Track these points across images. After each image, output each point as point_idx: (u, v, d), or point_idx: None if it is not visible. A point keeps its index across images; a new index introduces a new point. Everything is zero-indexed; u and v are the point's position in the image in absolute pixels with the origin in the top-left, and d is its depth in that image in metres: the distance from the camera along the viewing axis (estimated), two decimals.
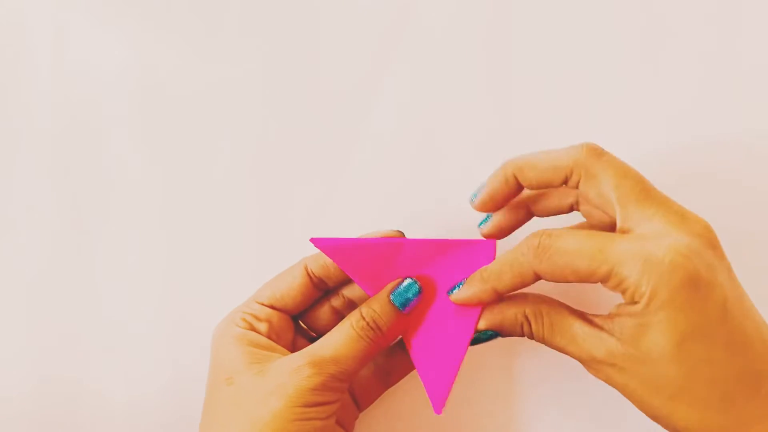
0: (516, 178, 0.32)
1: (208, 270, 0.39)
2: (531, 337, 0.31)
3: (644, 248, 0.27)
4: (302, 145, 0.40)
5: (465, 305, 0.32)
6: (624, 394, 0.29)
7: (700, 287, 0.27)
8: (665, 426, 0.28)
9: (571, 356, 0.30)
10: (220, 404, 0.30)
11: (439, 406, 0.32)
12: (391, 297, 0.32)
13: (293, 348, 0.34)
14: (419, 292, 0.32)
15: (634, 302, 0.27)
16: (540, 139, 0.39)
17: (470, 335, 0.32)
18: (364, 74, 0.41)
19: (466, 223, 0.36)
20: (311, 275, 0.34)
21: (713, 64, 0.39)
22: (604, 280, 0.27)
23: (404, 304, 0.32)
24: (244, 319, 0.33)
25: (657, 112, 0.39)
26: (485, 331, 0.31)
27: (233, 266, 0.39)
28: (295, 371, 0.30)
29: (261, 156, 0.40)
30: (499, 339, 0.32)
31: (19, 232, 0.40)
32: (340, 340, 0.31)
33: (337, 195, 0.40)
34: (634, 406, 0.29)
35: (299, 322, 0.35)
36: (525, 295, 0.31)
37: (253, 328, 0.33)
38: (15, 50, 0.41)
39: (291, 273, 0.34)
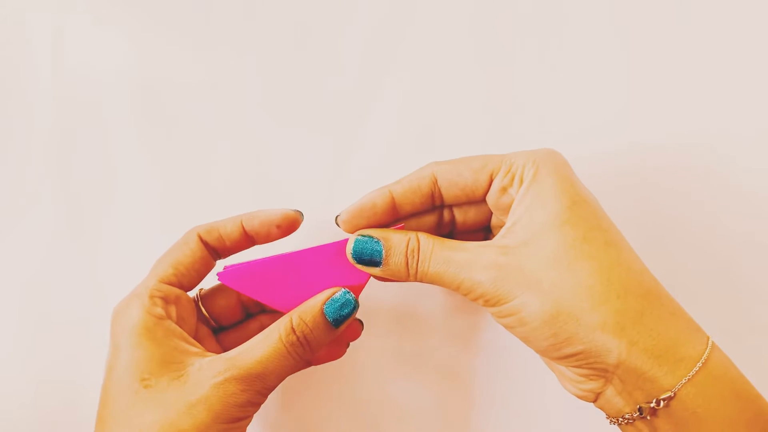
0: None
1: None
2: (415, 259, 0.30)
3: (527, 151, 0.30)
4: (302, 144, 0.40)
5: (360, 209, 0.31)
6: (516, 283, 0.28)
7: (577, 181, 0.30)
8: (566, 304, 0.27)
9: (457, 267, 0.29)
10: (135, 406, 0.28)
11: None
12: (326, 312, 0.30)
13: (196, 334, 0.33)
14: (354, 309, 0.30)
15: (522, 182, 0.29)
16: (539, 140, 0.39)
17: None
18: (364, 76, 0.40)
19: None
20: (207, 246, 0.33)
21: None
22: (494, 172, 0.30)
23: (339, 321, 0.30)
24: (156, 304, 0.31)
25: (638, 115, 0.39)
26: (367, 247, 0.30)
27: None
28: (221, 385, 0.28)
29: (260, 156, 0.40)
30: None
31: (19, 233, 0.40)
32: (267, 354, 0.29)
33: (337, 194, 0.40)
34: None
35: (199, 304, 0.34)
36: None
37: (165, 314, 0.31)
38: (15, 50, 0.41)
39: (187, 245, 0.33)
